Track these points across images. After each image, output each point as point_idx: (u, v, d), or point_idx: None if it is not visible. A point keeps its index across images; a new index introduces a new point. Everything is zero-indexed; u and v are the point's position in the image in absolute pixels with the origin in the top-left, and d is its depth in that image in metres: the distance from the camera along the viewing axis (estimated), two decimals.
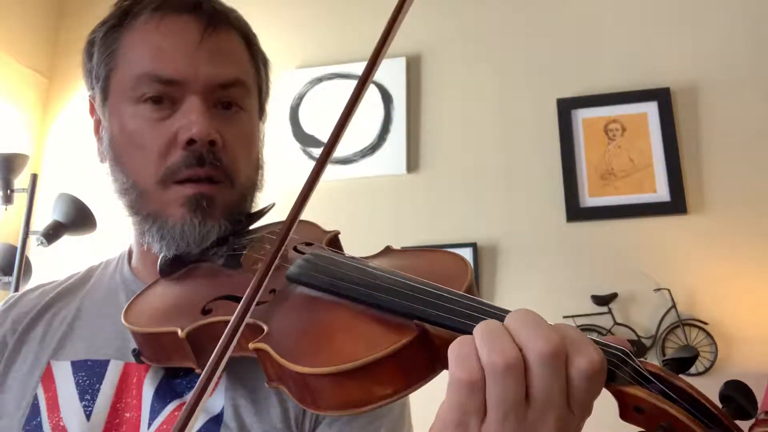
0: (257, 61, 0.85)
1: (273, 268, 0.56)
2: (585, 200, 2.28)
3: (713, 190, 2.21)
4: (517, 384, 0.44)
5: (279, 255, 0.57)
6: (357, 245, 0.77)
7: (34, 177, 2.33)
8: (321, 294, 0.61)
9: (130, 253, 0.87)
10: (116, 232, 1.69)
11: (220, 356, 0.52)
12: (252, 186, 0.82)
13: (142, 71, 0.75)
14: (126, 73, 0.76)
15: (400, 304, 0.54)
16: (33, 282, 2.31)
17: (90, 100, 0.84)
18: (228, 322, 0.54)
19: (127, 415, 0.71)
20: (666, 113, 2.29)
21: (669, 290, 2.12)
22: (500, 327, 0.46)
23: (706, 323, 2.08)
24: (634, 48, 2.39)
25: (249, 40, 0.83)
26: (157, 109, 0.74)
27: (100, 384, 0.73)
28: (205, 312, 0.66)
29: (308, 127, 2.60)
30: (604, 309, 2.15)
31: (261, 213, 0.83)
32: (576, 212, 2.27)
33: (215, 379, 0.51)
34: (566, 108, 2.37)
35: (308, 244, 0.73)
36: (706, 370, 2.02)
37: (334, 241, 0.76)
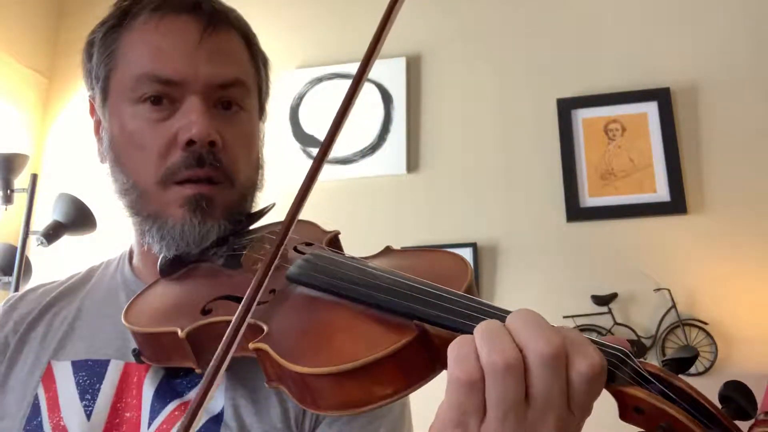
0: (257, 60, 0.84)
1: (273, 268, 0.56)
2: (585, 200, 2.28)
3: (713, 190, 2.21)
4: (517, 384, 0.44)
5: (279, 255, 0.57)
6: (357, 245, 0.77)
7: (34, 177, 2.33)
8: (321, 294, 0.61)
9: (131, 253, 0.87)
10: (116, 233, 1.69)
11: (223, 357, 0.52)
12: (252, 186, 0.82)
13: (142, 71, 0.74)
14: (126, 74, 0.76)
15: (400, 304, 0.54)
16: (33, 282, 2.31)
17: (90, 101, 0.84)
18: (228, 322, 0.54)
19: (128, 414, 0.71)
20: (666, 113, 2.29)
21: (669, 290, 2.12)
22: (501, 327, 0.46)
23: (706, 323, 2.08)
24: (634, 48, 2.39)
25: (249, 39, 0.83)
26: (157, 109, 0.74)
27: (101, 384, 0.73)
28: (205, 312, 0.66)
29: (308, 127, 2.59)
30: (604, 309, 2.15)
31: (261, 213, 0.83)
32: (576, 212, 2.27)
33: (218, 379, 0.51)
34: (566, 108, 2.37)
35: (308, 244, 0.73)
36: (706, 370, 2.02)
37: (334, 241, 0.76)
